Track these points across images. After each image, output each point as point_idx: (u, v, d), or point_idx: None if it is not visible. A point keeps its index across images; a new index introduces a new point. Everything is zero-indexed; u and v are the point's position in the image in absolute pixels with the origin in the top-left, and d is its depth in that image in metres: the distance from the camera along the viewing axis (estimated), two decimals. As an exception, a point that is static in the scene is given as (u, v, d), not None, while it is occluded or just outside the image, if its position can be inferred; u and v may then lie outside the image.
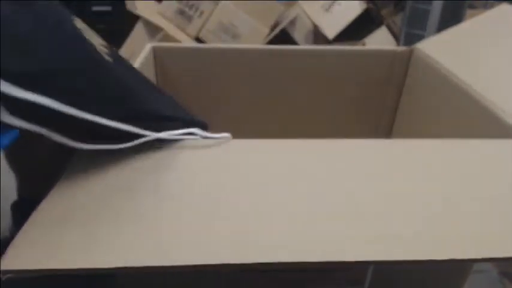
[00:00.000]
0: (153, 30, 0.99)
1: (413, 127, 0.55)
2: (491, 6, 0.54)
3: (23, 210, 0.25)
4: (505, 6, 0.50)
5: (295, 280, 0.31)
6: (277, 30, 1.04)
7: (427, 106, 0.51)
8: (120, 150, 0.29)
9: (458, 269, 0.36)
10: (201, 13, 1.02)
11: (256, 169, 0.30)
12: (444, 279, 0.36)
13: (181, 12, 1.02)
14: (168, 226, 0.24)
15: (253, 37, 1.02)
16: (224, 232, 0.24)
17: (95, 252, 0.23)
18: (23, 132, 0.24)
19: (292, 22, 1.09)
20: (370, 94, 0.57)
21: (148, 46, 0.52)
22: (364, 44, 1.08)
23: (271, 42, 1.03)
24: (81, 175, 0.28)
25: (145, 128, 0.29)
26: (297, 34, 1.10)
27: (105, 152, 0.29)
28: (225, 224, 0.25)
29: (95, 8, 1.19)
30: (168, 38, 1.00)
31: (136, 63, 0.46)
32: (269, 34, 1.04)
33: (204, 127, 0.34)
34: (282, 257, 0.23)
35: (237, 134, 0.33)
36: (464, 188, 0.28)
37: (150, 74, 0.52)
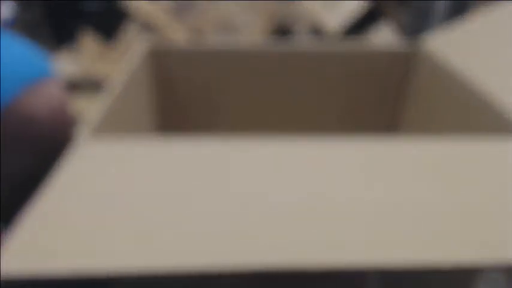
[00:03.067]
0: (148, 29, 0.98)
1: (418, 125, 0.54)
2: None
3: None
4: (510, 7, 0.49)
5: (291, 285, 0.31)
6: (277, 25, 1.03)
7: (432, 104, 0.51)
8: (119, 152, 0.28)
9: (465, 276, 0.35)
10: (198, 11, 1.01)
11: (249, 169, 0.29)
12: (451, 285, 0.36)
13: (177, 11, 1.01)
14: (164, 229, 0.24)
15: (252, 34, 1.02)
16: (219, 236, 0.24)
17: (88, 258, 0.22)
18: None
19: (293, 19, 1.08)
20: (373, 92, 0.57)
21: (143, 46, 0.51)
22: (367, 42, 1.07)
23: (270, 39, 1.02)
24: (77, 173, 0.28)
25: None
26: (298, 32, 1.09)
27: (103, 152, 0.29)
28: (220, 227, 0.24)
29: (87, 8, 1.18)
30: (163, 37, 0.99)
31: (131, 64, 0.46)
32: (269, 31, 1.04)
33: None
34: (278, 262, 0.22)
35: (238, 134, 0.32)
36: (471, 190, 0.27)
37: (145, 74, 0.51)
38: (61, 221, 0.25)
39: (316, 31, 1.08)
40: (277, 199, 0.26)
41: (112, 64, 1.02)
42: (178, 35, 1.00)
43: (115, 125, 0.38)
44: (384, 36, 1.09)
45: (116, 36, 1.03)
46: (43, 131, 0.41)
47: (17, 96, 0.38)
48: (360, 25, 1.09)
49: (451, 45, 0.49)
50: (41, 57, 0.42)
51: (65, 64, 1.08)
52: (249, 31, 1.02)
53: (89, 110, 0.36)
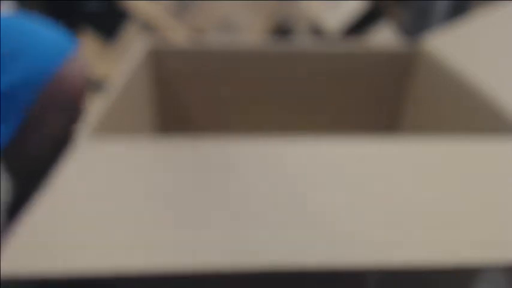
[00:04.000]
0: (148, 29, 0.98)
1: (418, 125, 0.54)
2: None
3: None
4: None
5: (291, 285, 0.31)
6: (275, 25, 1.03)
7: (432, 104, 0.50)
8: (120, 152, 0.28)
9: (465, 276, 0.35)
10: (198, 10, 1.01)
11: (249, 169, 0.29)
12: (451, 285, 0.36)
13: (177, 10, 1.01)
14: (164, 229, 0.24)
15: (252, 34, 1.02)
16: (219, 236, 0.24)
17: (88, 258, 0.22)
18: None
19: (293, 19, 1.08)
20: (373, 92, 0.57)
21: (143, 46, 0.51)
22: (367, 42, 1.07)
23: (270, 39, 1.02)
24: (77, 174, 0.28)
25: None
26: (298, 32, 1.09)
27: (103, 152, 0.29)
28: (220, 227, 0.24)
29: (87, 8, 1.18)
30: (163, 37, 0.99)
31: (131, 64, 0.46)
32: (269, 31, 1.04)
33: None
34: (279, 262, 0.22)
35: (237, 134, 0.32)
36: (470, 190, 0.27)
37: (145, 74, 0.51)
38: (61, 221, 0.24)
39: (316, 31, 1.08)
40: (276, 199, 0.26)
41: (112, 64, 1.02)
42: (178, 35, 1.00)
43: (115, 125, 0.38)
44: (384, 36, 1.09)
45: (116, 36, 1.03)
46: (77, 96, 0.50)
47: (61, 66, 0.46)
48: (360, 25, 1.09)
49: (451, 45, 0.49)
50: (67, 35, 0.50)
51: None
52: (249, 31, 1.02)
53: (88, 110, 0.36)
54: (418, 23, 1.05)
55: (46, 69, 0.45)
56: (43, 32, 0.47)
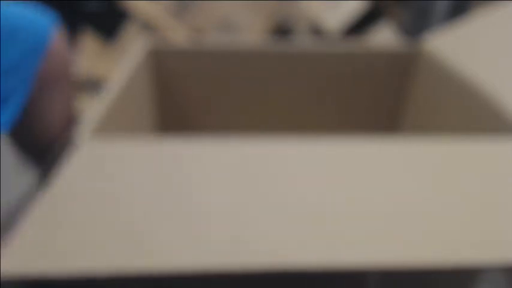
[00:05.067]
0: (148, 29, 0.98)
1: (418, 125, 0.54)
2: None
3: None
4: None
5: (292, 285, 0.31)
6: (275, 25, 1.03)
7: (432, 104, 0.50)
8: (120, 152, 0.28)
9: (465, 276, 0.35)
10: (198, 10, 1.01)
11: (249, 169, 0.29)
12: (451, 285, 0.36)
13: (177, 10, 1.01)
14: (164, 229, 0.24)
15: (252, 34, 1.02)
16: (219, 236, 0.24)
17: (88, 258, 0.22)
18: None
19: (293, 19, 1.08)
20: (373, 92, 0.57)
21: (143, 46, 0.51)
22: (367, 42, 1.07)
23: (270, 39, 1.02)
24: (77, 174, 0.28)
25: None
26: (298, 32, 1.09)
27: (103, 152, 0.29)
28: (220, 227, 0.24)
29: (87, 8, 1.18)
30: (163, 37, 0.99)
31: (130, 64, 0.46)
32: (269, 31, 1.04)
33: None
34: (279, 263, 0.22)
35: (237, 134, 0.32)
36: (471, 190, 0.27)
37: (145, 74, 0.51)
38: (61, 221, 0.24)
39: (316, 31, 1.08)
40: (276, 199, 0.26)
41: (112, 64, 1.02)
42: (178, 35, 1.00)
43: (115, 125, 0.38)
44: (384, 36, 1.09)
45: (116, 36, 1.03)
46: (67, 70, 0.53)
47: (53, 42, 0.50)
48: (360, 25, 1.09)
49: (451, 45, 0.49)
50: (45, 14, 0.53)
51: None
52: (249, 31, 1.02)
53: (88, 109, 0.36)
54: (418, 23, 1.05)
55: (40, 47, 0.48)
56: (26, 13, 0.50)
